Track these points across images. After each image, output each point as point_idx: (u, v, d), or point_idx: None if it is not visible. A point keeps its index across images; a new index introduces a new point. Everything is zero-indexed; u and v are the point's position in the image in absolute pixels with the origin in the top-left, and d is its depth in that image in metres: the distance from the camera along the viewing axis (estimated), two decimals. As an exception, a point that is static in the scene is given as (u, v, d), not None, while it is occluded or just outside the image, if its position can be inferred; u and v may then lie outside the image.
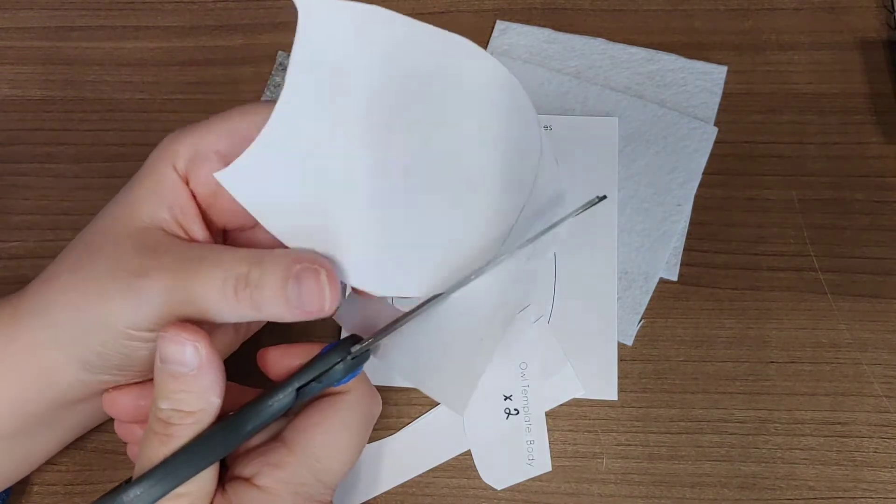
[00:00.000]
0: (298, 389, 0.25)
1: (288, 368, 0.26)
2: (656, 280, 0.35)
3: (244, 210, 0.25)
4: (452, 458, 0.33)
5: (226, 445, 0.24)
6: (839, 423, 0.33)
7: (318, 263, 0.24)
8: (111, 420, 0.34)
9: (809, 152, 0.37)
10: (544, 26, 0.39)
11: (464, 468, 0.33)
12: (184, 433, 0.24)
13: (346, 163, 0.25)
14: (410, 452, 0.33)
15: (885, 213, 0.36)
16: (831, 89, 0.38)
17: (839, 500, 0.32)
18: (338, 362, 0.25)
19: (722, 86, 0.38)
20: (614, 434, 0.33)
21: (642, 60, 0.39)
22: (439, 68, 0.26)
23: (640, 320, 0.34)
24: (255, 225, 0.27)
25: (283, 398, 0.25)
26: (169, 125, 0.39)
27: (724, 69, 0.38)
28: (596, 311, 0.35)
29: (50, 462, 0.33)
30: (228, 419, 0.25)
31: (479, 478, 0.33)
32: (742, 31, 0.39)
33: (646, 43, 0.39)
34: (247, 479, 0.25)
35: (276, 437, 0.26)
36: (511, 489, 0.33)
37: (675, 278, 0.35)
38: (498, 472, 0.33)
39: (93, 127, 0.39)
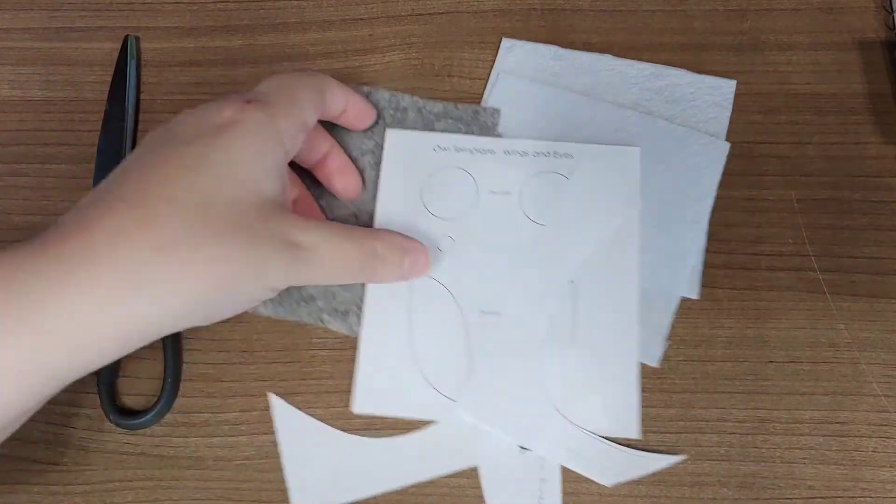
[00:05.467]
0: None
1: None
2: (678, 299, 0.34)
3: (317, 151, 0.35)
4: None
5: None
6: (838, 423, 0.33)
7: (420, 244, 0.33)
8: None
9: (808, 152, 0.37)
10: (543, 26, 0.39)
11: (464, 468, 0.33)
12: None
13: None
14: (418, 456, 0.33)
15: (883, 213, 0.36)
16: (830, 89, 0.38)
17: (839, 499, 0.32)
18: None
19: (732, 100, 0.37)
20: (614, 434, 0.33)
21: (650, 76, 0.38)
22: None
23: (666, 341, 0.34)
24: (322, 158, 0.35)
25: None
26: (169, 125, 0.39)
27: (733, 83, 0.38)
28: (616, 337, 0.33)
29: (50, 462, 0.34)
30: None
31: (479, 478, 0.33)
32: (741, 32, 0.39)
33: (645, 43, 0.39)
34: None
35: None
36: (511, 489, 0.33)
37: (696, 296, 0.35)
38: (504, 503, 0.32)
39: (93, 127, 0.39)
